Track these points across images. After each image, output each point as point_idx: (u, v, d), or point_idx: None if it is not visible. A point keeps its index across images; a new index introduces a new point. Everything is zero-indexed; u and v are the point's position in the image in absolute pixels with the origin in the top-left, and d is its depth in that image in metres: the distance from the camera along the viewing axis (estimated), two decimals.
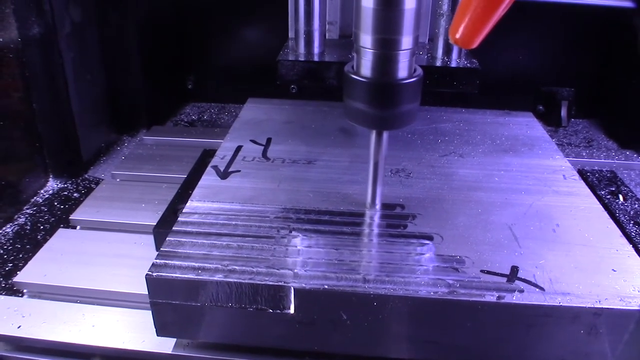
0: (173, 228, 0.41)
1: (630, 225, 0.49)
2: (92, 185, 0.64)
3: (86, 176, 0.67)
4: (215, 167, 0.50)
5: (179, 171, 0.62)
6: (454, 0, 0.60)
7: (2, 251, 0.52)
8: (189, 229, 0.41)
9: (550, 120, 0.82)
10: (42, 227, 0.56)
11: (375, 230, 0.42)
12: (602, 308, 0.35)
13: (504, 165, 0.52)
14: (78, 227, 0.56)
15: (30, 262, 0.49)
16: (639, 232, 0.48)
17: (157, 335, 0.39)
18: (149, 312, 0.38)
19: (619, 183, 0.57)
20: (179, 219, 0.42)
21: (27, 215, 0.58)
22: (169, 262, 0.37)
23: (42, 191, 0.63)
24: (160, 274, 0.36)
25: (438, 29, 0.62)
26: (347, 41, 0.70)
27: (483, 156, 0.54)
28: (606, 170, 0.61)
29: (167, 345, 0.41)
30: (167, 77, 0.85)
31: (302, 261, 0.38)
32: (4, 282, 0.48)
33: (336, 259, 0.38)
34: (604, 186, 0.57)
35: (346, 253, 0.39)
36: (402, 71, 0.37)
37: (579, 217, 0.44)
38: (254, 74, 0.79)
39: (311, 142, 0.55)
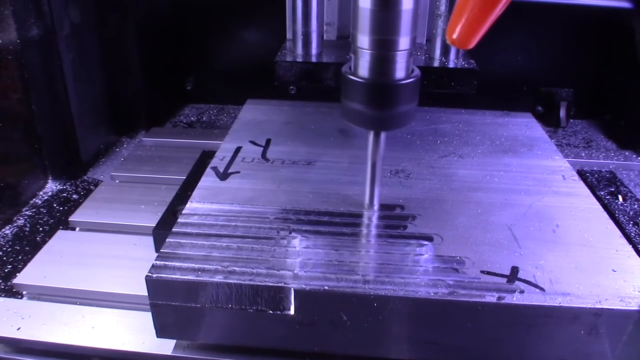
0: (173, 229, 0.41)
1: (630, 225, 0.49)
2: (92, 187, 0.64)
3: (85, 177, 0.67)
4: (214, 168, 0.50)
5: (178, 172, 0.62)
6: (452, 1, 0.60)
7: (1, 253, 0.52)
8: (188, 230, 0.41)
9: (549, 120, 0.82)
10: (41, 228, 0.56)
11: (375, 231, 0.42)
12: (602, 308, 0.35)
13: (503, 165, 0.52)
14: (77, 229, 0.56)
15: (29, 264, 0.49)
16: (638, 233, 0.48)
17: (157, 337, 0.39)
18: (149, 314, 0.38)
19: (618, 183, 0.58)
20: (178, 220, 0.42)
21: (26, 217, 0.58)
22: (169, 263, 0.37)
23: (41, 193, 0.63)
24: (160, 275, 0.36)
25: (435, 29, 0.62)
26: (345, 42, 0.70)
27: (482, 157, 0.54)
28: (605, 171, 0.61)
29: (167, 346, 0.41)
30: (166, 79, 0.85)
31: (302, 262, 0.38)
32: (3, 284, 0.48)
33: (336, 259, 0.38)
34: (603, 187, 0.57)
35: (346, 254, 0.39)
36: (400, 72, 0.37)
37: (579, 218, 0.44)
38: (253, 75, 0.78)
39: (310, 143, 0.55)
